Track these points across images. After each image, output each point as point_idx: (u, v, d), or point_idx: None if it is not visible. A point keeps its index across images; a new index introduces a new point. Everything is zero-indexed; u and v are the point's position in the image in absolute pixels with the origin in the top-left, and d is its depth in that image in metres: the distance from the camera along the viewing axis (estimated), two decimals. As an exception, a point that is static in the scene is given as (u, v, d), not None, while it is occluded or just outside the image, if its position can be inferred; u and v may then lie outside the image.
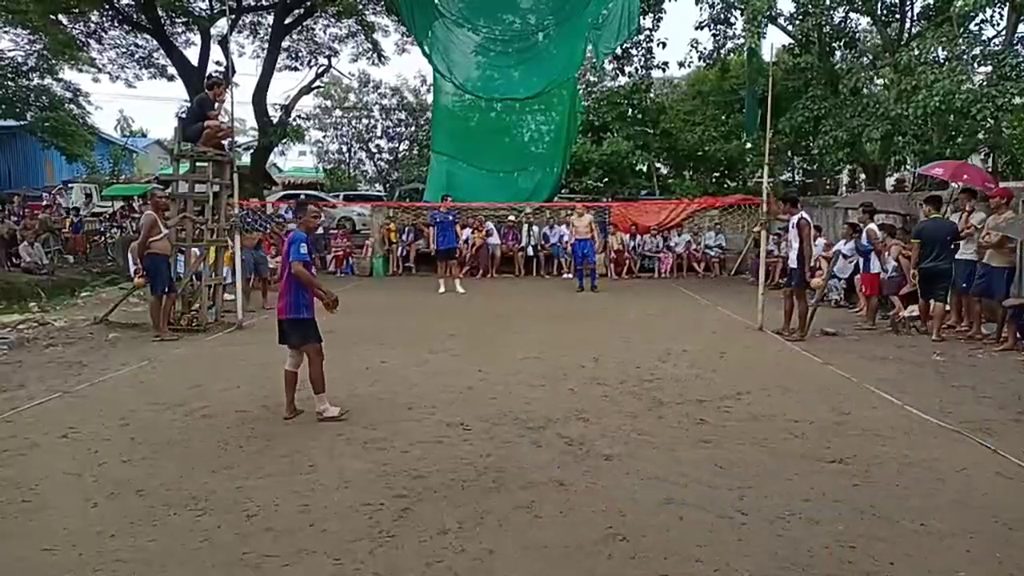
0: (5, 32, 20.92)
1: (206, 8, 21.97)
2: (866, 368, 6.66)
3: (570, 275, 15.55)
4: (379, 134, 36.49)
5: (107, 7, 20.60)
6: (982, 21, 15.54)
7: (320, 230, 17.58)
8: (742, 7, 17.11)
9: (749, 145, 21.24)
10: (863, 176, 22.68)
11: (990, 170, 15.84)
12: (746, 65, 17.24)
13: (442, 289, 12.50)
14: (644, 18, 19.56)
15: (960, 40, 13.48)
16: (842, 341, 8.16)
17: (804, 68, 18.58)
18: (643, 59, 21.89)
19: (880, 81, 18.05)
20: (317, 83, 27.24)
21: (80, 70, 23.03)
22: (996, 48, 14.30)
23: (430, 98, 22.03)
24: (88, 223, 19.58)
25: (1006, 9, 14.19)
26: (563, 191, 20.19)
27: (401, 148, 36.02)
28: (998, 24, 15.37)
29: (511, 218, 16.53)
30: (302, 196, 21.48)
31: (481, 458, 4.28)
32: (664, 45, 22.98)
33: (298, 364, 5.18)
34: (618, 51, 20.39)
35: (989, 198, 8.33)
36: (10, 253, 15.37)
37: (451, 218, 13.14)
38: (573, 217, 13.23)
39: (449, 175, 17.91)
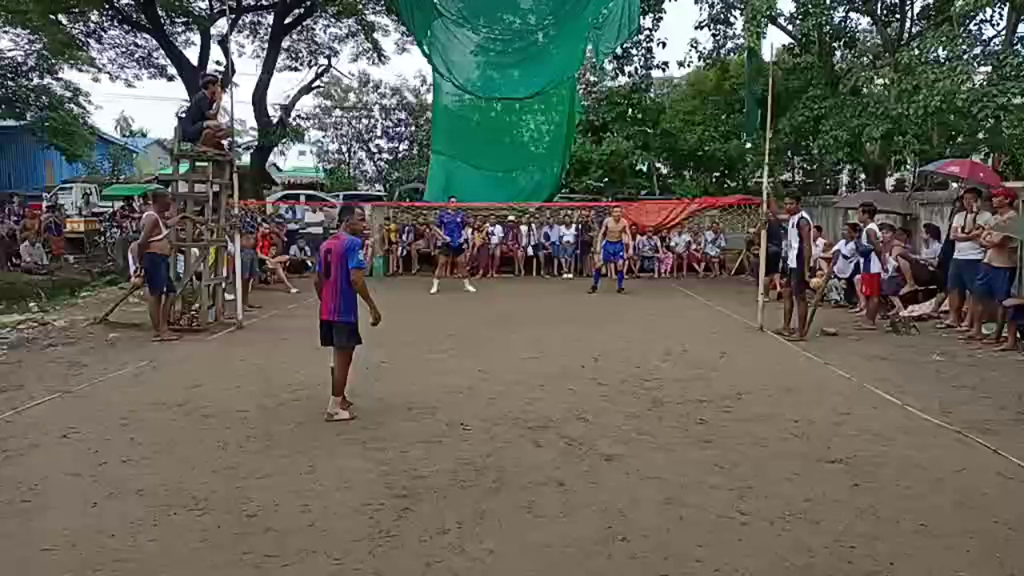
0: (5, 32, 20.95)
1: (206, 8, 21.97)
2: (866, 368, 6.65)
3: (570, 275, 15.57)
4: (379, 134, 36.46)
5: (107, 7, 20.60)
6: (982, 21, 15.59)
7: (320, 230, 17.65)
8: (742, 7, 17.11)
9: (749, 145, 21.23)
10: (863, 176, 22.70)
11: (992, 170, 15.85)
12: (746, 65, 17.24)
13: (435, 289, 12.43)
14: (644, 18, 19.54)
15: (960, 40, 13.48)
16: (842, 341, 8.16)
17: (804, 68, 18.60)
18: (643, 59, 21.88)
19: (880, 81, 18.04)
20: (317, 83, 27.25)
21: (80, 70, 23.05)
22: (996, 48, 14.31)
23: (430, 98, 22.03)
24: (86, 222, 19.42)
25: (1006, 9, 14.20)
26: (563, 191, 20.19)
27: (401, 148, 36.01)
28: (998, 24, 15.40)
29: (511, 218, 16.54)
30: (301, 196, 21.52)
31: (481, 458, 4.28)
32: (664, 45, 22.98)
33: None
34: (618, 51, 20.38)
35: (992, 197, 8.34)
36: (10, 253, 15.37)
37: (459, 220, 13.13)
38: (608, 220, 13.18)
39: (449, 175, 17.91)
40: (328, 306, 5.08)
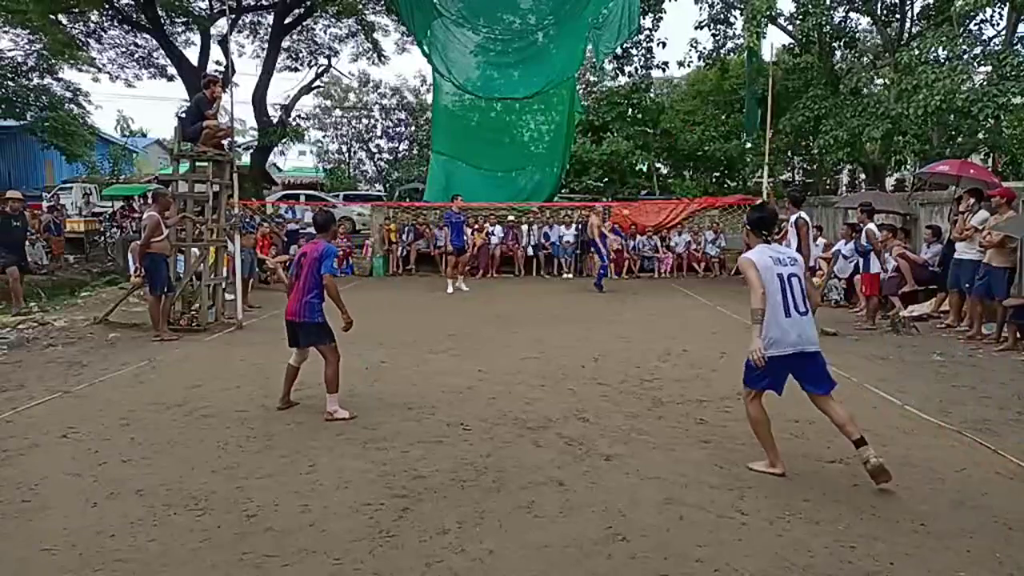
0: (5, 32, 20.95)
1: (206, 8, 21.97)
2: (866, 368, 6.66)
3: (570, 275, 15.60)
4: (379, 134, 36.52)
5: (107, 7, 20.60)
6: (982, 21, 15.61)
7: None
8: (742, 7, 17.13)
9: (749, 145, 21.25)
10: (863, 176, 22.71)
11: (990, 170, 15.87)
12: (746, 65, 17.25)
13: (450, 290, 12.50)
14: (644, 18, 19.58)
15: (960, 40, 13.49)
16: (842, 341, 8.15)
17: (804, 68, 18.63)
18: (643, 59, 21.92)
19: (880, 81, 18.08)
20: (317, 83, 27.26)
21: (80, 70, 23.06)
22: (996, 48, 14.32)
23: (430, 98, 22.06)
24: (86, 222, 19.41)
25: (1006, 9, 14.21)
26: (563, 191, 20.20)
27: (401, 148, 36.05)
28: (998, 24, 15.41)
29: (511, 218, 16.55)
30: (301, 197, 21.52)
31: (481, 458, 4.28)
32: (664, 45, 23.06)
33: (301, 361, 5.30)
34: (618, 51, 20.40)
35: (990, 197, 8.34)
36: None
37: (463, 218, 13.16)
38: (593, 218, 13.47)
39: (449, 175, 17.92)
40: (293, 306, 5.15)
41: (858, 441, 3.84)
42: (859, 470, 4.10)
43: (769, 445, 4.10)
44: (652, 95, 24.22)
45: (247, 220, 12.69)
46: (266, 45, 23.05)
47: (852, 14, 17.95)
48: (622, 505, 3.61)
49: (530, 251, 16.16)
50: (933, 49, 13.43)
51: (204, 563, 3.04)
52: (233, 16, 20.99)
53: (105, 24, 22.33)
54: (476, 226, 15.71)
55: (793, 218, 8.24)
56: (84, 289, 12.85)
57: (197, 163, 9.24)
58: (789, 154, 23.59)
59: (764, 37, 15.63)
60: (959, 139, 16.15)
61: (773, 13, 16.35)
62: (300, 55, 25.24)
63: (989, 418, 5.09)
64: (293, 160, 41.05)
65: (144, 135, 40.92)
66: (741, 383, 4.17)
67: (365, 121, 36.34)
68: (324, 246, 5.15)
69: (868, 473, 3.76)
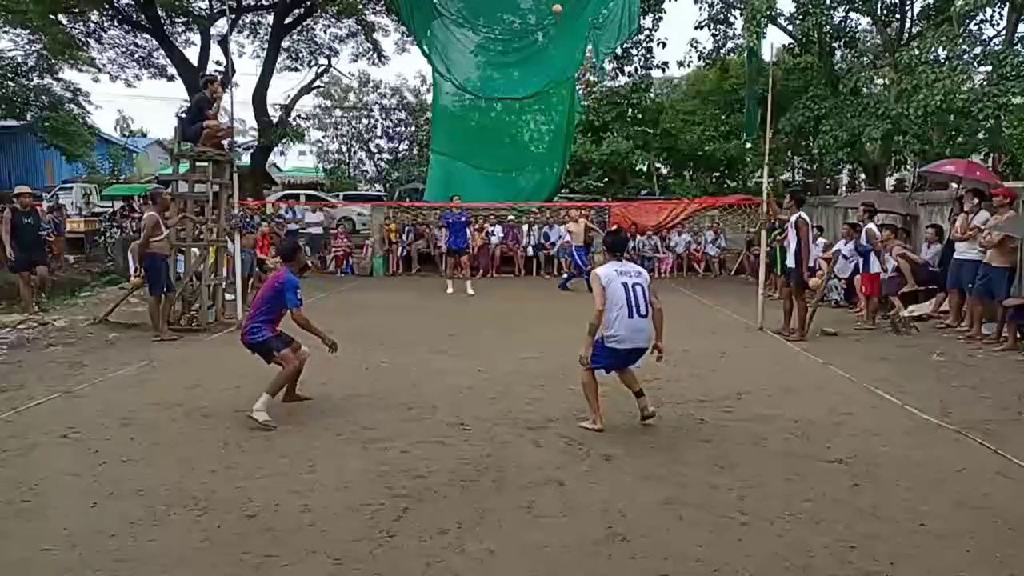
0: (5, 32, 20.94)
1: (206, 8, 21.97)
2: (866, 368, 6.65)
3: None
4: (379, 134, 36.51)
5: (107, 7, 20.60)
6: (982, 21, 15.62)
7: (320, 230, 17.69)
8: (742, 7, 17.13)
9: (749, 145, 21.25)
10: (863, 176, 22.72)
11: (990, 170, 15.88)
12: (746, 65, 17.25)
13: (451, 290, 12.46)
14: (644, 18, 19.57)
15: (960, 40, 13.50)
16: (842, 341, 8.15)
17: (804, 68, 18.64)
18: (643, 59, 21.91)
19: (880, 81, 18.08)
20: (317, 83, 27.26)
21: (80, 70, 23.04)
22: (996, 48, 14.32)
23: (430, 98, 22.05)
24: (86, 222, 19.39)
25: (1006, 9, 14.22)
26: (563, 191, 20.19)
27: (401, 148, 36.04)
28: (998, 24, 15.42)
29: (511, 218, 16.55)
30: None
31: (481, 458, 4.28)
32: (664, 45, 23.01)
33: (303, 358, 5.26)
34: (618, 51, 20.40)
35: (992, 196, 8.34)
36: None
37: (463, 219, 13.16)
38: (571, 225, 13.53)
39: (449, 175, 17.91)
40: (244, 325, 5.20)
41: (638, 392, 4.79)
42: (859, 470, 4.11)
43: (593, 404, 4.75)
44: (652, 95, 24.21)
45: (247, 220, 12.67)
46: (266, 45, 23.03)
47: (852, 14, 17.95)
48: (622, 505, 3.61)
49: (530, 251, 16.16)
50: (933, 49, 13.44)
51: (204, 563, 3.04)
52: (233, 16, 20.96)
53: (105, 24, 22.30)
54: (476, 226, 15.72)
55: (793, 218, 8.25)
56: (84, 289, 12.85)
57: (197, 163, 9.24)
58: (789, 154, 23.60)
59: (764, 37, 15.63)
60: (959, 139, 16.16)
61: (773, 13, 16.34)
62: (300, 55, 25.22)
63: (989, 418, 5.09)
64: (293, 160, 41.07)
65: (144, 135, 40.91)
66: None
67: (365, 121, 36.33)
68: (286, 277, 5.04)
69: (641, 416, 4.79)
